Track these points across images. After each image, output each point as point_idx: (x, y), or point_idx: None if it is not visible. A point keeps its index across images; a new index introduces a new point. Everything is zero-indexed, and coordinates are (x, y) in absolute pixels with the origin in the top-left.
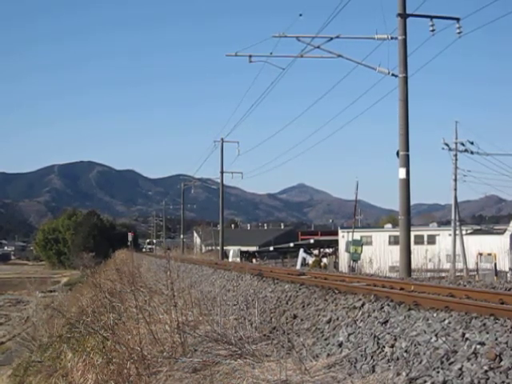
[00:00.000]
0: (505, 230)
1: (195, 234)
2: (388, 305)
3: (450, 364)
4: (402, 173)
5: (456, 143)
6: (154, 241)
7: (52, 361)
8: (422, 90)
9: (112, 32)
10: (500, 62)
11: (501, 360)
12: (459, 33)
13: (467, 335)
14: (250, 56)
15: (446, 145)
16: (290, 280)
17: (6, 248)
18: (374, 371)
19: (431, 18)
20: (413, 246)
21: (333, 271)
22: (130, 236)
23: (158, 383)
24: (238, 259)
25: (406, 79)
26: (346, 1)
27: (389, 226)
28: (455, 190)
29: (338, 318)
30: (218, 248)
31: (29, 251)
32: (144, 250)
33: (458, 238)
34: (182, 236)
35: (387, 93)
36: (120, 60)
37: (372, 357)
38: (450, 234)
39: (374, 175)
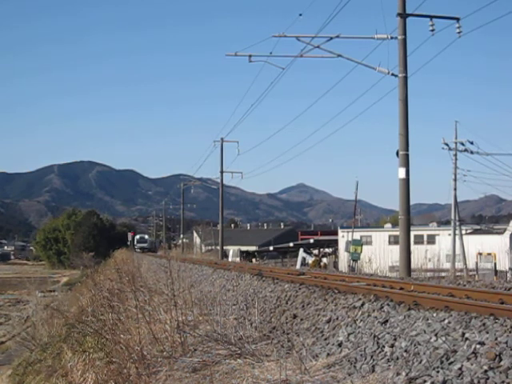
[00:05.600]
0: (504, 230)
1: (195, 234)
2: (388, 304)
3: (449, 364)
4: (401, 172)
5: (456, 143)
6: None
7: (52, 360)
8: (421, 90)
9: (112, 32)
10: (500, 62)
11: (500, 360)
12: (459, 32)
13: (467, 335)
14: (250, 56)
15: (446, 144)
16: (289, 280)
17: (5, 248)
18: (373, 371)
19: (431, 17)
20: (413, 246)
21: (333, 271)
22: (129, 236)
23: (158, 383)
24: (238, 259)
25: (405, 79)
26: (346, 1)
27: (389, 225)
28: (455, 189)
29: (337, 318)
30: (218, 248)
31: (29, 251)
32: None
33: (457, 238)
34: (181, 236)
35: (387, 92)
36: (120, 60)
37: (372, 356)
38: (449, 234)
39: (374, 175)
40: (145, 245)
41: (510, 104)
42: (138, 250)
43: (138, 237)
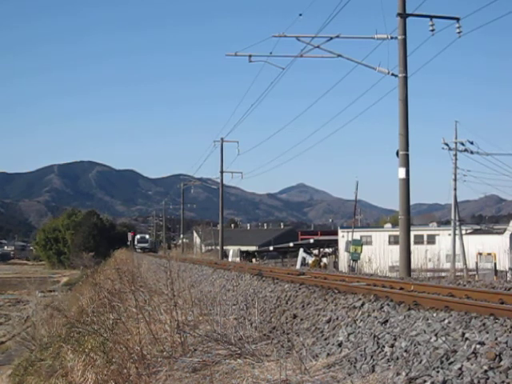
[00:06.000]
0: (504, 230)
1: (195, 234)
2: (388, 304)
3: (449, 364)
4: (401, 172)
5: (456, 143)
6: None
7: (52, 360)
8: (421, 90)
9: (112, 32)
10: (500, 62)
11: (500, 360)
12: (459, 32)
13: (467, 335)
14: (250, 56)
15: (446, 144)
16: (289, 280)
17: (5, 248)
18: (373, 371)
19: (431, 17)
20: (413, 246)
21: (333, 271)
22: (129, 236)
23: (158, 383)
24: (238, 259)
25: (405, 79)
26: (346, 1)
27: (389, 225)
28: (455, 189)
29: (337, 318)
30: (218, 248)
31: (29, 251)
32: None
33: (457, 238)
34: (181, 236)
35: (387, 92)
36: (120, 60)
37: (372, 356)
38: (449, 234)
39: (374, 175)
40: (146, 245)
41: (510, 104)
42: (139, 251)
43: (138, 236)
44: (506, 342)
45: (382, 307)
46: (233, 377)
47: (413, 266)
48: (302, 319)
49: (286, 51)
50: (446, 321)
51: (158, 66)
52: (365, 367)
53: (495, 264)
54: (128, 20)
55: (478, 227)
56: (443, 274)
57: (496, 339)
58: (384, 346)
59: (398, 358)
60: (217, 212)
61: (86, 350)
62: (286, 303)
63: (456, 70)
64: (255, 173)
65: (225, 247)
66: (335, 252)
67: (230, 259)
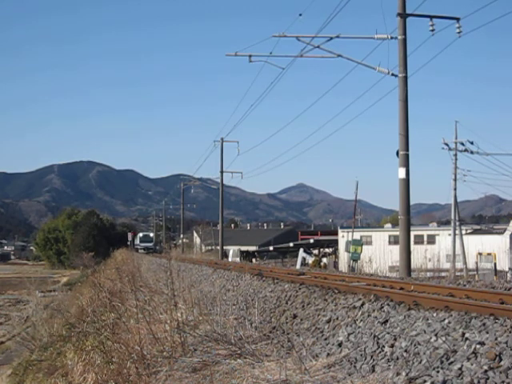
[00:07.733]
0: (505, 230)
1: (195, 234)
2: (388, 304)
3: (449, 364)
4: (401, 172)
5: (456, 143)
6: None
7: (52, 360)
8: (422, 90)
9: (112, 32)
10: (500, 62)
11: (500, 360)
12: (459, 32)
13: (467, 335)
14: (250, 56)
15: (446, 145)
16: (289, 280)
17: (5, 248)
18: (373, 371)
19: (431, 17)
20: (413, 246)
21: (332, 271)
22: (129, 236)
23: (158, 383)
24: (238, 259)
25: (405, 79)
26: (346, 1)
27: (389, 225)
28: (455, 189)
29: (337, 318)
30: (218, 248)
31: (29, 251)
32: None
33: (457, 238)
34: (181, 236)
35: (387, 93)
36: (120, 60)
37: (372, 356)
38: (449, 234)
39: (374, 175)
40: (150, 244)
41: (510, 104)
42: (142, 251)
43: (141, 235)
44: (506, 342)
45: (382, 307)
46: (233, 377)
47: (413, 266)
48: (302, 319)
49: (286, 51)
50: (446, 321)
51: (157, 66)
52: (365, 367)
53: (495, 264)
54: (128, 20)
55: (478, 227)
56: (443, 274)
57: (496, 339)
58: (384, 346)
59: (398, 358)
60: (217, 212)
61: (86, 350)
62: (286, 303)
63: (456, 70)
64: (255, 173)
65: (225, 247)
66: (335, 252)
67: (230, 259)
